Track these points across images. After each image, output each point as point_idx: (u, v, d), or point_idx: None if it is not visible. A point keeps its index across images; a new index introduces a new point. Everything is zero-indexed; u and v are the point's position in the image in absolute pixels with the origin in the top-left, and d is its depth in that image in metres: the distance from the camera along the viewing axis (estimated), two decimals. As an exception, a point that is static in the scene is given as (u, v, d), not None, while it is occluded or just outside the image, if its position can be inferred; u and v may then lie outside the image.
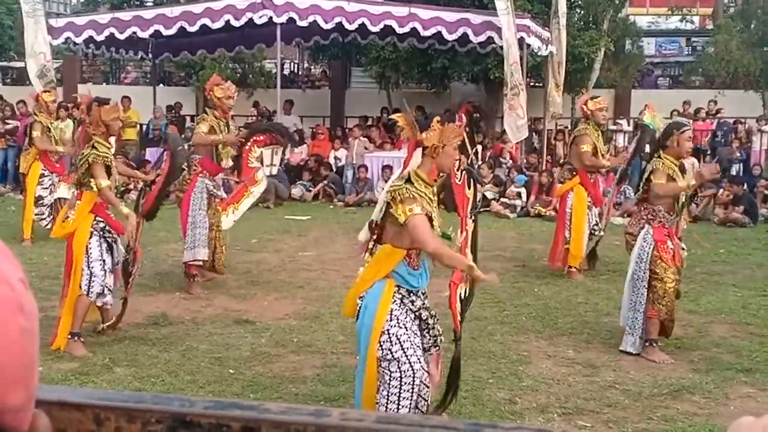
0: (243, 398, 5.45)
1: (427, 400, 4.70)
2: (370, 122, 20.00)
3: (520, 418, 5.23)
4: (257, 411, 0.96)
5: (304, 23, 15.94)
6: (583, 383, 5.87)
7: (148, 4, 23.70)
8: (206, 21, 15.82)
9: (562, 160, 16.62)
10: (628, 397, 5.61)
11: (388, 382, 4.47)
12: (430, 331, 4.70)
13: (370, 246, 4.63)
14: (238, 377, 5.93)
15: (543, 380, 5.91)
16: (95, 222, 6.55)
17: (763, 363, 6.33)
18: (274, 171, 9.35)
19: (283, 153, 16.91)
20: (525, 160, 16.57)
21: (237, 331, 7.07)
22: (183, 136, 16.38)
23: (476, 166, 5.18)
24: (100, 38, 16.72)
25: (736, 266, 10.07)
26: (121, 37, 16.55)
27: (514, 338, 6.96)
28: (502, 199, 14.68)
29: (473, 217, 4.96)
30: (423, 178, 4.47)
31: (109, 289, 6.59)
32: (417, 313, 4.59)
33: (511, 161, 16.27)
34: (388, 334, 4.44)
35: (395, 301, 4.50)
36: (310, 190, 16.29)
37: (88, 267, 6.45)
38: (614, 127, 18.03)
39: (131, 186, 10.26)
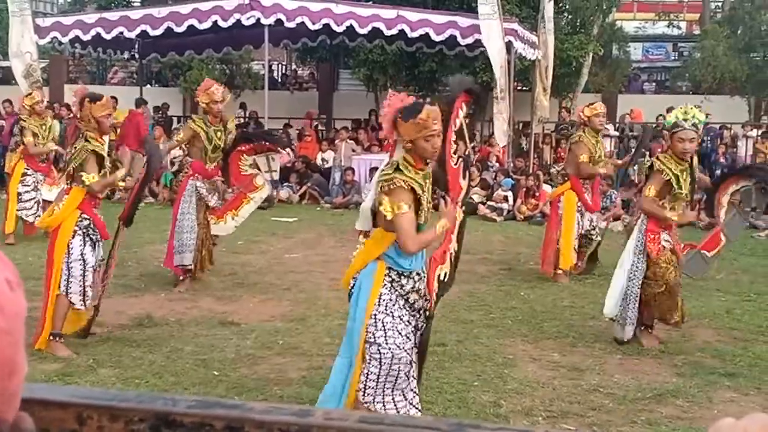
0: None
1: (415, 392, 4.72)
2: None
3: (504, 420, 5.23)
4: (241, 410, 0.95)
5: (291, 25, 15.94)
6: (568, 386, 5.88)
7: (136, 4, 23.63)
8: (194, 22, 15.80)
9: (550, 165, 16.72)
10: (613, 400, 5.63)
11: (368, 362, 4.55)
12: (418, 314, 4.72)
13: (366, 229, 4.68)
14: (222, 379, 5.91)
15: (528, 383, 5.92)
16: (80, 219, 6.47)
17: (746, 368, 6.36)
18: (276, 176, 9.18)
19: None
20: (512, 164, 16.61)
21: (222, 333, 7.05)
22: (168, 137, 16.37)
23: (472, 158, 5.12)
24: (86, 38, 16.67)
25: (721, 271, 10.11)
26: (108, 37, 16.50)
27: (500, 341, 6.96)
28: (489, 203, 14.71)
29: (463, 208, 4.93)
30: (412, 163, 4.48)
31: (90, 287, 6.49)
32: (406, 297, 4.61)
33: (498, 165, 16.31)
34: (375, 318, 4.50)
35: (385, 284, 4.54)
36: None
37: (68, 267, 6.39)
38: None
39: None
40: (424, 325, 4.75)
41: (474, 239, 10.09)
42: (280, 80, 27.83)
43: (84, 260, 6.43)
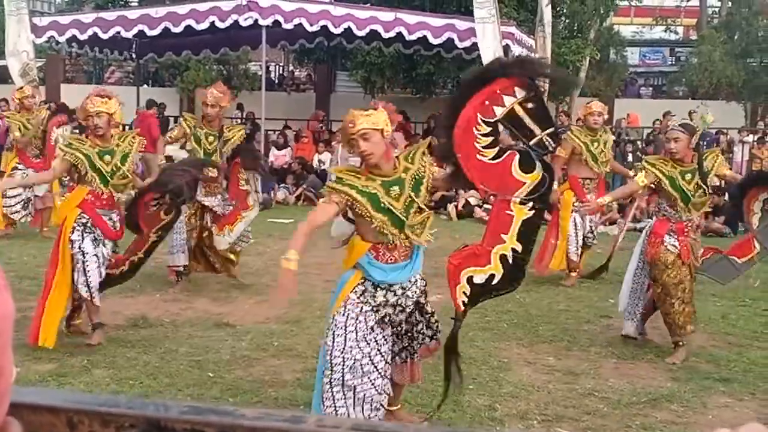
0: (222, 402, 5.43)
1: (380, 393, 4.55)
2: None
3: (500, 424, 5.23)
4: (233, 417, 0.95)
5: (289, 26, 15.93)
6: (563, 390, 5.88)
7: (133, 4, 23.61)
8: (191, 22, 15.78)
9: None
10: (608, 404, 5.62)
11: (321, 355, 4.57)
12: (395, 328, 4.67)
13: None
14: (217, 381, 5.90)
15: (523, 387, 5.92)
16: (79, 216, 6.51)
17: (741, 373, 6.36)
18: (259, 198, 8.90)
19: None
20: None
21: (217, 334, 7.04)
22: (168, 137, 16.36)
23: (547, 148, 4.53)
24: (83, 37, 16.66)
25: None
26: (105, 36, 16.49)
27: (495, 345, 6.96)
28: (485, 206, 14.71)
29: (531, 204, 4.63)
30: (354, 170, 4.59)
31: (91, 277, 6.50)
32: (375, 309, 4.53)
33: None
34: (333, 317, 4.50)
35: (356, 291, 4.52)
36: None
37: (74, 260, 6.45)
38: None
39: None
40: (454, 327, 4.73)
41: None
42: (277, 81, 27.84)
43: (83, 252, 6.47)
